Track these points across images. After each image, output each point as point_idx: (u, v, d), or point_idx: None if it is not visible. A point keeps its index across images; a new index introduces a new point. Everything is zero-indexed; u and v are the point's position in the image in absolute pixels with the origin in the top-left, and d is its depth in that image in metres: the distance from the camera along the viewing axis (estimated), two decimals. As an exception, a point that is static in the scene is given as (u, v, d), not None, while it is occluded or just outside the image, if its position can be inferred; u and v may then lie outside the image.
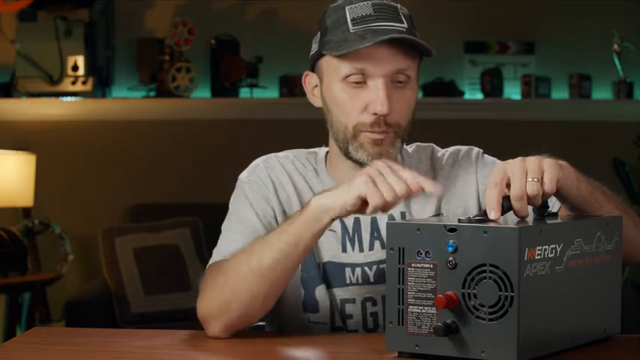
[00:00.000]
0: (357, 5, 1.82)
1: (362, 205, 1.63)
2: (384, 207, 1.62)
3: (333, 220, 1.67)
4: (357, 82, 1.81)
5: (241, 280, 1.72)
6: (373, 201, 1.61)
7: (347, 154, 1.86)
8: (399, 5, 1.86)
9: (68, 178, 4.93)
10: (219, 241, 1.89)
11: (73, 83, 4.75)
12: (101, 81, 4.86)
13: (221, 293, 1.74)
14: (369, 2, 1.82)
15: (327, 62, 1.85)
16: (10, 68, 4.84)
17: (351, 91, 1.82)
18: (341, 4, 1.85)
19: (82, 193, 4.93)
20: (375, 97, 1.80)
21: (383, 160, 1.66)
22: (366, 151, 1.83)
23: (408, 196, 1.61)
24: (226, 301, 1.73)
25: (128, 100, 4.91)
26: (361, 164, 1.85)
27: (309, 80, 1.92)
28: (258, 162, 1.96)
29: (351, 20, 1.81)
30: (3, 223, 4.54)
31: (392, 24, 1.80)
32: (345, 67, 1.82)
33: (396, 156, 1.88)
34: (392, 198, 1.60)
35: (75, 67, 4.73)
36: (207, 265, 1.86)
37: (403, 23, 1.81)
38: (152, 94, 4.87)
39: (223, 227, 1.91)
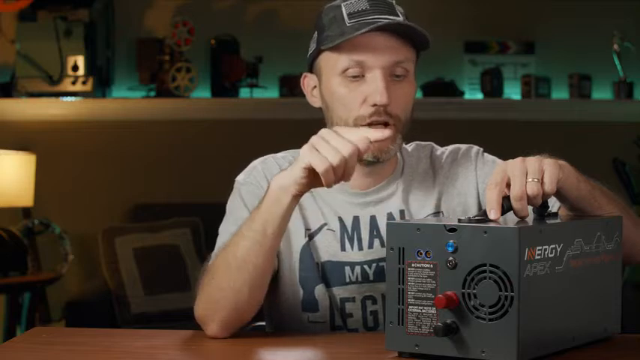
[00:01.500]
0: (352, 1, 1.83)
1: (315, 176, 1.64)
2: (336, 173, 1.61)
3: (296, 197, 1.68)
4: (355, 76, 1.82)
5: (222, 276, 1.73)
6: (319, 167, 1.61)
7: None
8: (394, 1, 1.87)
9: (68, 178, 4.93)
10: (217, 243, 1.89)
11: (73, 83, 4.75)
12: (101, 81, 4.86)
13: (209, 292, 1.75)
14: None
15: (326, 59, 1.86)
16: (10, 68, 4.84)
17: (349, 85, 1.83)
18: (337, 2, 1.86)
19: (82, 193, 4.93)
20: (373, 89, 1.80)
21: (329, 128, 1.67)
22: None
23: (358, 155, 1.62)
24: (214, 299, 1.74)
25: (128, 100, 4.91)
26: (362, 161, 1.85)
27: (308, 82, 1.93)
28: (256, 163, 1.96)
29: (348, 15, 1.82)
30: (3, 223, 4.54)
31: (388, 17, 1.81)
32: (342, 61, 1.82)
33: (397, 152, 1.87)
34: (338, 161, 1.60)
35: (75, 67, 4.74)
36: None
37: (399, 17, 1.82)
38: (152, 94, 4.87)
39: (220, 229, 1.92)
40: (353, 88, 1.82)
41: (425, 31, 1.82)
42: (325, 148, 1.62)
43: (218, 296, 1.73)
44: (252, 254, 1.71)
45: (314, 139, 1.65)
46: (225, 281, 1.72)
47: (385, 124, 1.82)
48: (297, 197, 1.68)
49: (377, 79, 1.80)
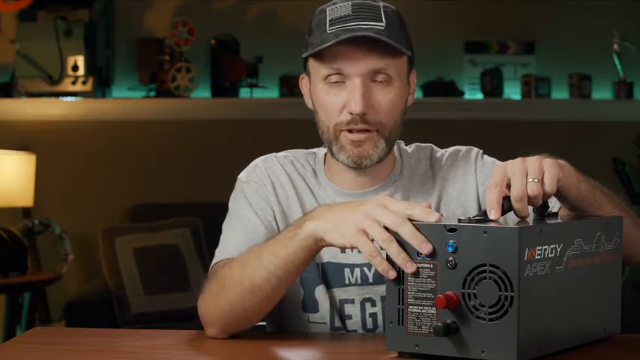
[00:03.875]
0: (337, 6, 1.83)
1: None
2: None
3: (323, 247, 1.64)
4: (336, 83, 1.82)
5: (233, 294, 1.72)
6: (366, 252, 1.55)
7: (333, 155, 1.87)
8: (382, 4, 1.85)
9: (68, 178, 4.93)
10: (221, 242, 1.89)
11: (73, 83, 4.75)
12: (101, 81, 4.86)
13: (217, 301, 1.75)
14: (349, 3, 1.82)
15: (312, 64, 1.87)
16: (10, 68, 4.84)
17: (330, 91, 1.83)
18: (325, 6, 1.86)
19: (82, 193, 4.93)
20: (351, 97, 1.80)
21: (378, 199, 1.59)
22: (346, 153, 1.83)
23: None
24: (221, 310, 1.74)
25: (128, 100, 4.91)
26: (347, 166, 1.86)
27: (305, 83, 1.93)
28: (258, 162, 1.97)
29: (329, 21, 1.81)
30: (3, 223, 4.54)
31: (368, 23, 1.80)
32: (323, 68, 1.83)
33: (379, 158, 1.84)
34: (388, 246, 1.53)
35: (75, 67, 4.74)
36: (211, 266, 1.86)
37: (382, 22, 1.80)
38: (152, 94, 4.87)
39: (224, 227, 1.92)
40: (334, 95, 1.83)
41: (397, 45, 1.79)
42: (376, 232, 1.54)
43: (225, 309, 1.73)
44: (268, 286, 1.69)
45: (361, 221, 1.55)
46: (236, 300, 1.72)
47: (365, 131, 1.82)
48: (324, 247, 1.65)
49: (355, 88, 1.80)
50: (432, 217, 1.52)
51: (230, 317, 1.74)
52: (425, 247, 1.49)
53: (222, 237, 1.90)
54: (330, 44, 1.78)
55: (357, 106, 1.79)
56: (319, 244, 1.63)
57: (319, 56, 1.82)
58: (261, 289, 1.70)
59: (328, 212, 1.62)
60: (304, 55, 1.86)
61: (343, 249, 1.63)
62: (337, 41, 1.77)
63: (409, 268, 1.50)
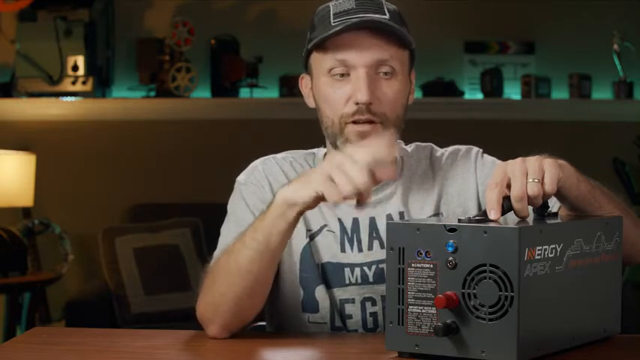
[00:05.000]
0: (340, 1, 1.84)
1: (323, 198, 1.61)
2: (346, 200, 1.58)
3: (300, 213, 1.66)
4: (341, 75, 1.83)
5: (224, 282, 1.73)
6: (332, 198, 1.57)
7: (337, 150, 1.87)
8: (383, 1, 1.87)
9: (68, 178, 4.93)
10: (218, 244, 1.89)
11: (73, 83, 4.75)
12: (101, 81, 4.86)
13: (211, 295, 1.75)
14: None
15: (314, 59, 1.87)
16: (10, 68, 4.84)
17: (335, 84, 1.84)
18: (328, 3, 1.87)
19: (82, 193, 4.93)
20: (356, 87, 1.81)
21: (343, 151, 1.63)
22: (353, 144, 1.83)
23: (370, 185, 1.57)
24: (216, 302, 1.74)
25: (128, 100, 4.91)
26: None
27: (305, 83, 1.94)
28: (257, 164, 1.97)
29: (334, 15, 1.83)
30: (3, 223, 4.54)
31: (373, 15, 1.81)
32: (327, 61, 1.83)
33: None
34: (351, 192, 1.56)
35: (75, 67, 4.73)
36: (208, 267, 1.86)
37: (385, 15, 1.82)
38: (152, 94, 4.87)
39: (222, 230, 1.92)
40: (338, 87, 1.83)
41: (403, 31, 1.82)
42: (340, 179, 1.57)
43: (219, 301, 1.73)
44: (254, 264, 1.70)
45: (328, 167, 1.59)
46: (227, 287, 1.73)
47: (369, 122, 1.82)
48: (302, 213, 1.66)
49: (359, 78, 1.81)
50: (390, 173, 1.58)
51: (225, 309, 1.73)
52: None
53: (220, 239, 1.90)
54: (338, 29, 1.79)
55: (363, 96, 1.80)
56: (294, 210, 1.64)
57: (323, 48, 1.83)
58: (248, 270, 1.70)
59: (299, 179, 1.67)
60: (309, 47, 1.86)
61: (314, 206, 1.62)
62: (346, 26, 1.79)
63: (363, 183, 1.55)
